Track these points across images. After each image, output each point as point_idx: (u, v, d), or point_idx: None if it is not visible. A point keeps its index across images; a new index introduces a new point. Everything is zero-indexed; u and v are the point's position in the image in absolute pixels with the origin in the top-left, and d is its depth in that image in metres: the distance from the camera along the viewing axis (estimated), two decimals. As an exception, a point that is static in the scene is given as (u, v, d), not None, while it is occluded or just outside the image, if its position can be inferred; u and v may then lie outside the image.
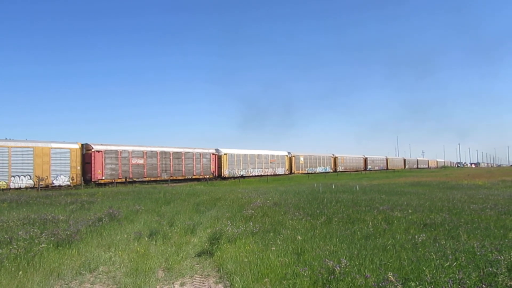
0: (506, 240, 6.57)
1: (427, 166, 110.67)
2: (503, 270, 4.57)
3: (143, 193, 19.15)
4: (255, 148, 49.32)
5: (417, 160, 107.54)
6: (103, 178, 30.13)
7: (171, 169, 35.53)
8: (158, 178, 33.99)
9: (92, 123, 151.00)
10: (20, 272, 5.46)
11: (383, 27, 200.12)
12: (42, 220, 9.52)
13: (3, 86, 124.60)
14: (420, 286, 4.35)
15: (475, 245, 6.03)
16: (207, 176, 39.12)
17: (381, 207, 11.26)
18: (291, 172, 53.56)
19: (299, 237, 7.23)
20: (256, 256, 6.09)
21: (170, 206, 13.20)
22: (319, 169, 60.59)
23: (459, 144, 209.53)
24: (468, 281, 4.36)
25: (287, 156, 53.61)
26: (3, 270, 5.55)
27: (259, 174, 46.83)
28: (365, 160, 76.10)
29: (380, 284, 4.38)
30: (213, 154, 40.58)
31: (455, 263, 5.08)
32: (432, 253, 5.67)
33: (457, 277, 4.44)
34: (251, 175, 45.30)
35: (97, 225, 8.93)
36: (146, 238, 7.96)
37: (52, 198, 16.45)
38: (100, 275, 5.75)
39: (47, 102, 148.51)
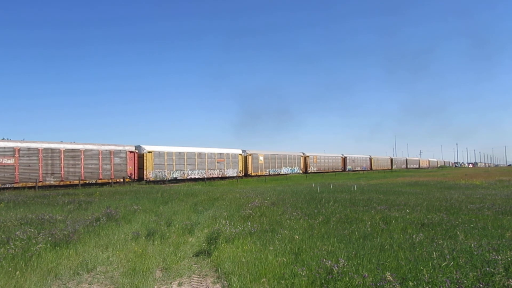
0: (504, 240, 6.59)
1: (417, 166, 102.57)
2: (501, 270, 4.58)
3: (141, 193, 19.21)
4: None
5: (406, 160, 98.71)
6: None
7: (62, 172, 27.40)
8: (40, 184, 26.02)
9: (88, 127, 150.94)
10: (18, 272, 5.45)
11: (381, 27, 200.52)
12: (39, 220, 9.49)
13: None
14: (418, 286, 4.36)
15: (472, 244, 6.06)
16: (121, 180, 30.90)
17: (379, 206, 11.29)
18: (246, 174, 45.18)
19: (297, 237, 7.23)
20: (254, 256, 6.09)
21: (168, 206, 13.19)
22: (284, 170, 51.79)
23: (456, 144, 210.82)
24: (465, 281, 4.37)
25: (241, 155, 44.41)
26: (0, 270, 5.53)
27: (201, 177, 38.46)
28: (344, 159, 67.90)
29: (378, 284, 4.38)
30: (130, 152, 32.17)
31: (452, 263, 5.09)
32: (430, 253, 5.68)
33: (454, 277, 4.45)
34: (188, 177, 37.17)
35: (95, 225, 8.91)
36: (144, 238, 7.95)
37: (49, 198, 16.50)
38: (98, 275, 5.74)
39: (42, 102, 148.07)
